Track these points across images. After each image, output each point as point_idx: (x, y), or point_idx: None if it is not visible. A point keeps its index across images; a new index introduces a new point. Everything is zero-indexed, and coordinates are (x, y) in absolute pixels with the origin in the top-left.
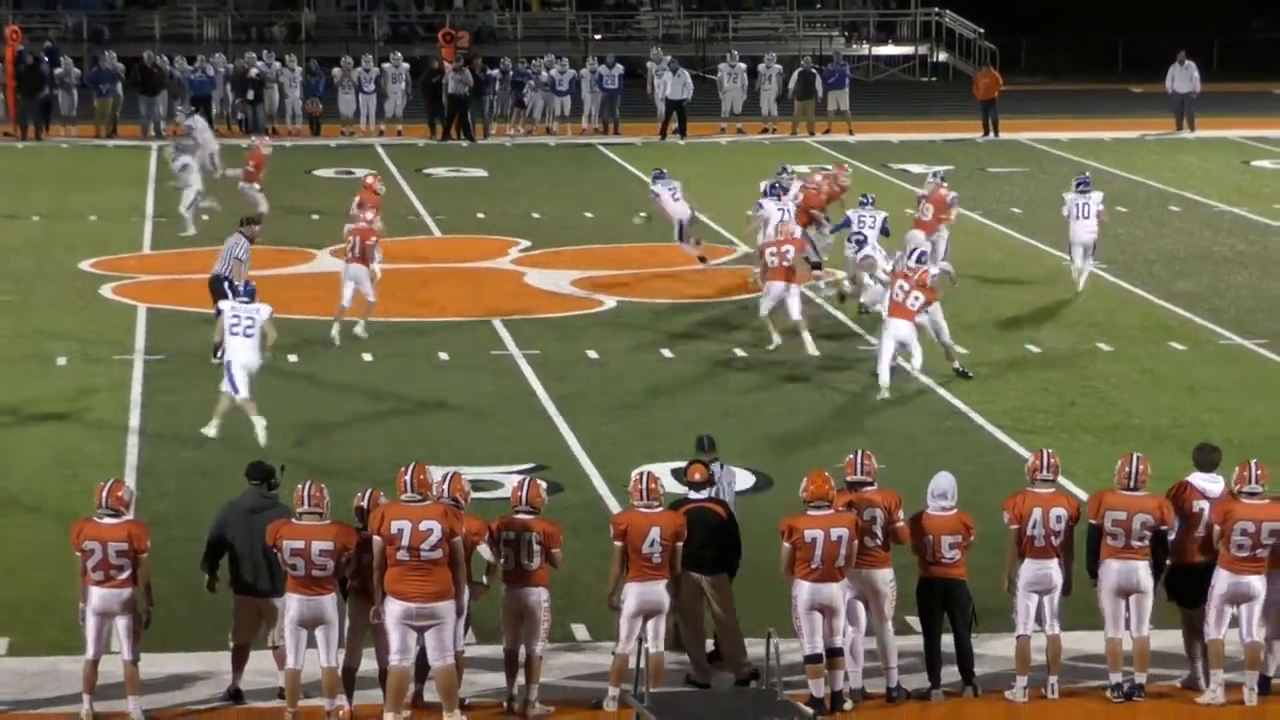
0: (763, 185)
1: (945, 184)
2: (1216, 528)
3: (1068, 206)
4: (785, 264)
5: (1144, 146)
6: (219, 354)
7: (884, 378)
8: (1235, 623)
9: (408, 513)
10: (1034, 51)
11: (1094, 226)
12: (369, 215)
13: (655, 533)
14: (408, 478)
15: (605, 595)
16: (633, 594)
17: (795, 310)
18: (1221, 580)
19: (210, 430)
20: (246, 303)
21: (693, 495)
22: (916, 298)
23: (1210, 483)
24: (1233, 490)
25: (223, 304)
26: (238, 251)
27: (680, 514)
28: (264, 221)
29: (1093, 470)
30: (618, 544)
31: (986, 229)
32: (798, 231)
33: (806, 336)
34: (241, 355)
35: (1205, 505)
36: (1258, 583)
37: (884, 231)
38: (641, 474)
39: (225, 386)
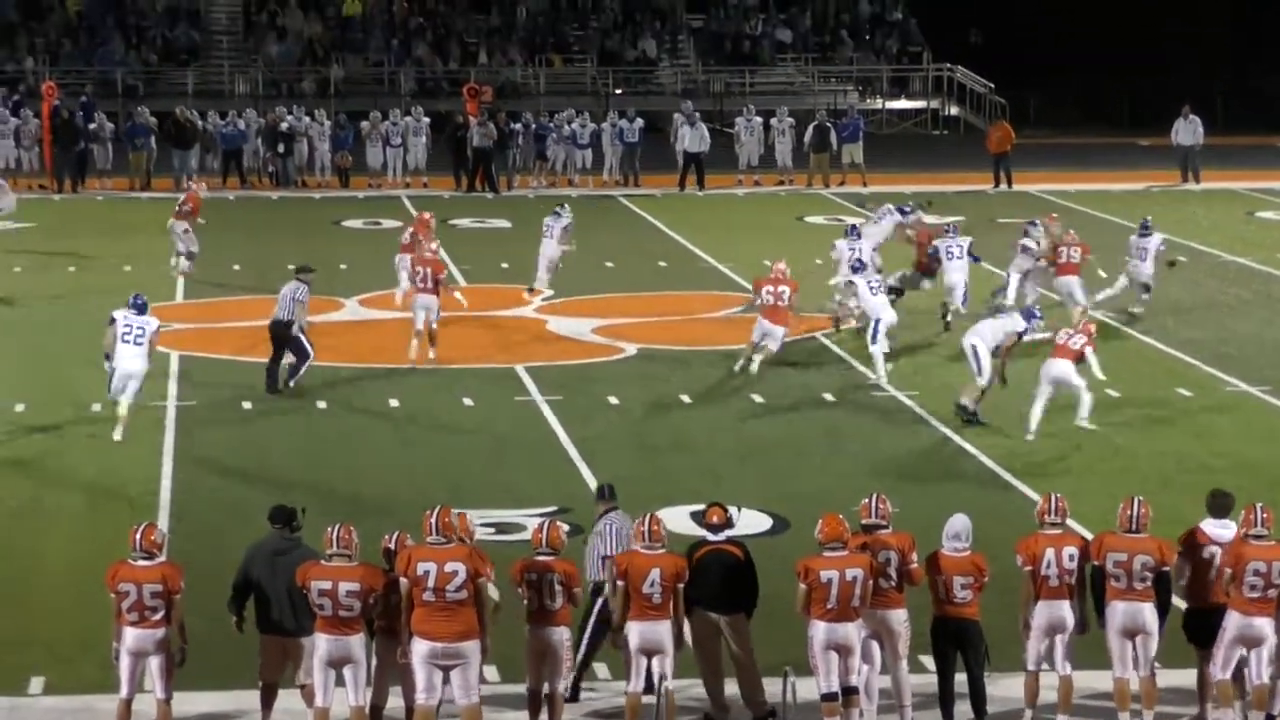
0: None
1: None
2: (1227, 571)
3: (1130, 248)
4: (780, 304)
5: (1150, 198)
6: (109, 360)
7: (1033, 420)
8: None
9: (434, 554)
10: (1042, 106)
11: (1150, 269)
12: (434, 246)
13: (655, 574)
14: (433, 520)
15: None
16: (634, 633)
17: (774, 347)
18: (1233, 623)
19: (116, 435)
20: (138, 313)
21: (710, 537)
22: (1079, 339)
23: (1222, 528)
24: (1242, 534)
25: (116, 313)
26: (299, 295)
27: (682, 556)
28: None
29: (1099, 513)
30: (619, 584)
31: (995, 276)
32: (788, 272)
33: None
34: (126, 362)
35: (1216, 550)
36: (1267, 625)
37: (973, 257)
38: (645, 516)
39: (109, 392)
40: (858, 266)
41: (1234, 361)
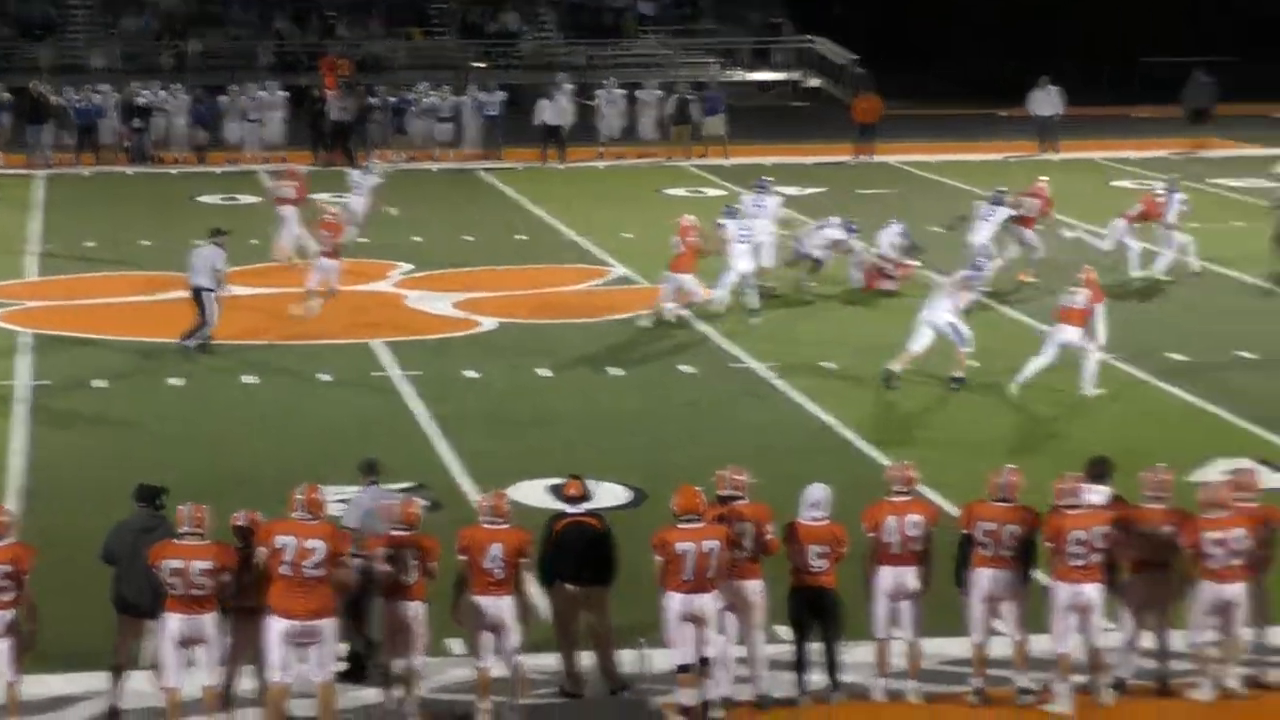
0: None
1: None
2: (1048, 544)
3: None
4: (683, 252)
5: (1008, 168)
6: None
7: (1023, 374)
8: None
9: (295, 529)
10: (903, 77)
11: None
12: (334, 210)
13: (497, 549)
14: (300, 496)
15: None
16: (476, 609)
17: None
18: (1061, 594)
19: None
20: None
21: (570, 510)
22: (1080, 296)
23: (1094, 494)
24: (1056, 504)
25: None
26: (218, 262)
27: (525, 531)
28: None
29: (959, 483)
30: (461, 558)
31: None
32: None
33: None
34: None
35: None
36: (1094, 591)
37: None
38: (489, 492)
39: None
40: (730, 211)
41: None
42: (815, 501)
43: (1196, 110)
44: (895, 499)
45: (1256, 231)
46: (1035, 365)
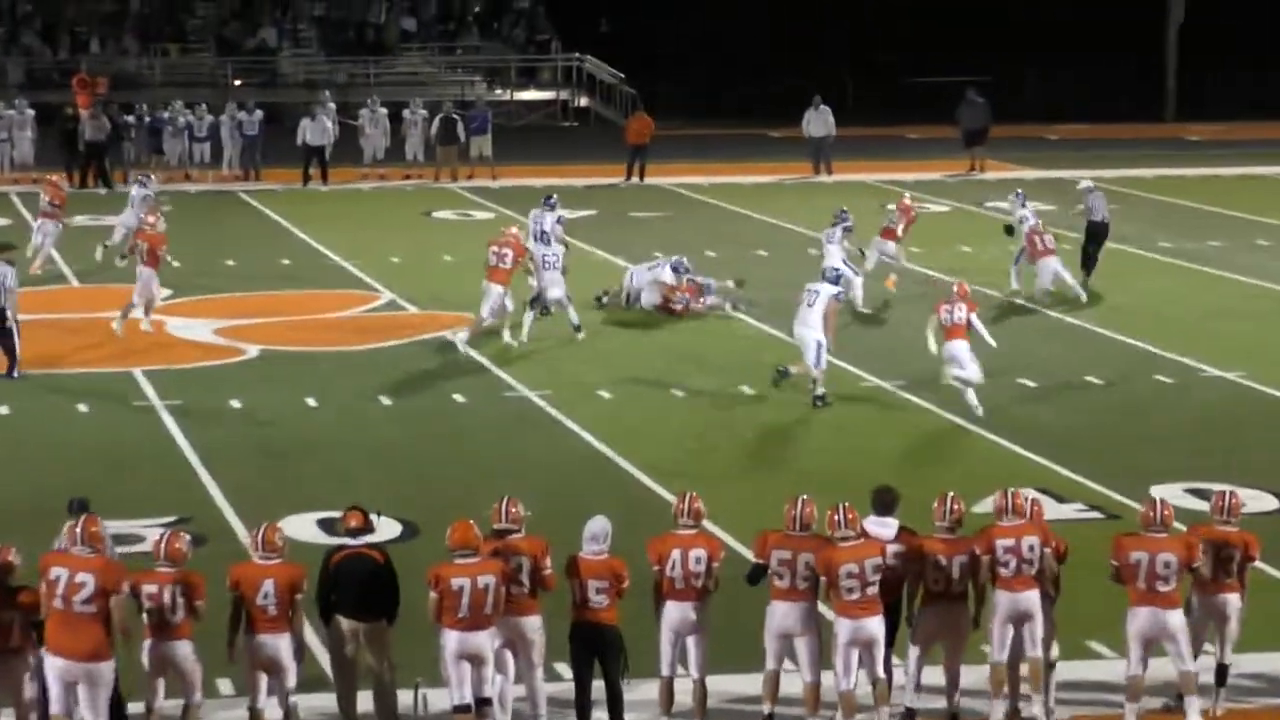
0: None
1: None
2: (823, 578)
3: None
4: (504, 266)
5: (782, 190)
6: None
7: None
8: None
9: (68, 562)
10: (675, 98)
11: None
12: (152, 220)
13: (270, 585)
14: (78, 530)
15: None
16: (250, 647)
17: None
18: (844, 628)
19: None
20: None
21: (350, 542)
22: (959, 310)
23: (882, 526)
24: (830, 536)
25: None
26: (8, 280)
27: (299, 566)
28: None
29: (740, 515)
30: (233, 594)
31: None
32: (521, 237)
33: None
34: None
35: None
36: (875, 624)
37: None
38: (260, 526)
39: None
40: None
41: (868, 357)
42: (595, 535)
43: (970, 131)
44: (681, 532)
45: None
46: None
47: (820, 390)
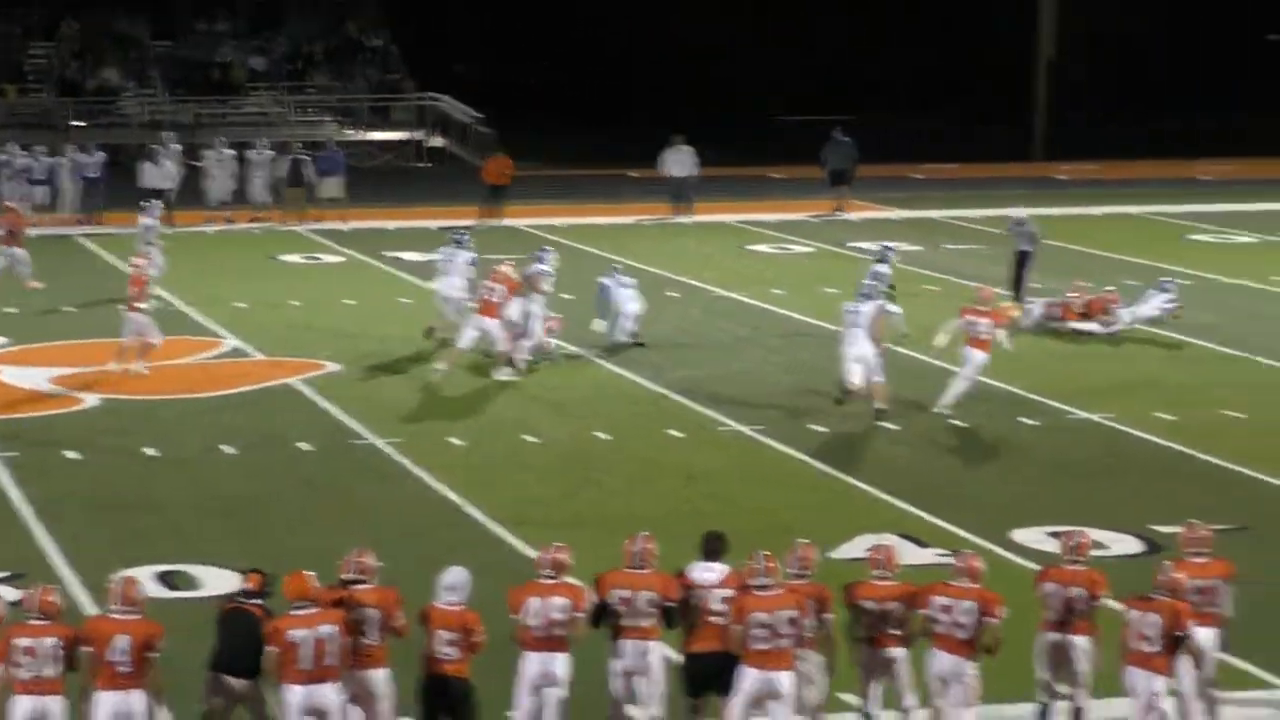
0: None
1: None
2: (736, 627)
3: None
4: (493, 300)
5: (640, 231)
6: None
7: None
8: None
9: None
10: (532, 137)
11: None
12: (140, 261)
13: (124, 640)
14: None
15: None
16: (103, 705)
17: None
18: (747, 677)
19: None
20: None
21: (241, 600)
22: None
23: (707, 571)
24: (744, 584)
25: None
26: None
27: (156, 623)
28: None
29: (596, 562)
30: (86, 650)
31: None
32: (512, 274)
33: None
34: None
35: (704, 593)
36: (784, 678)
37: None
38: (119, 579)
39: None
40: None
41: (726, 400)
42: (452, 585)
43: (835, 171)
44: (542, 581)
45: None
46: (957, 390)
47: (880, 404)
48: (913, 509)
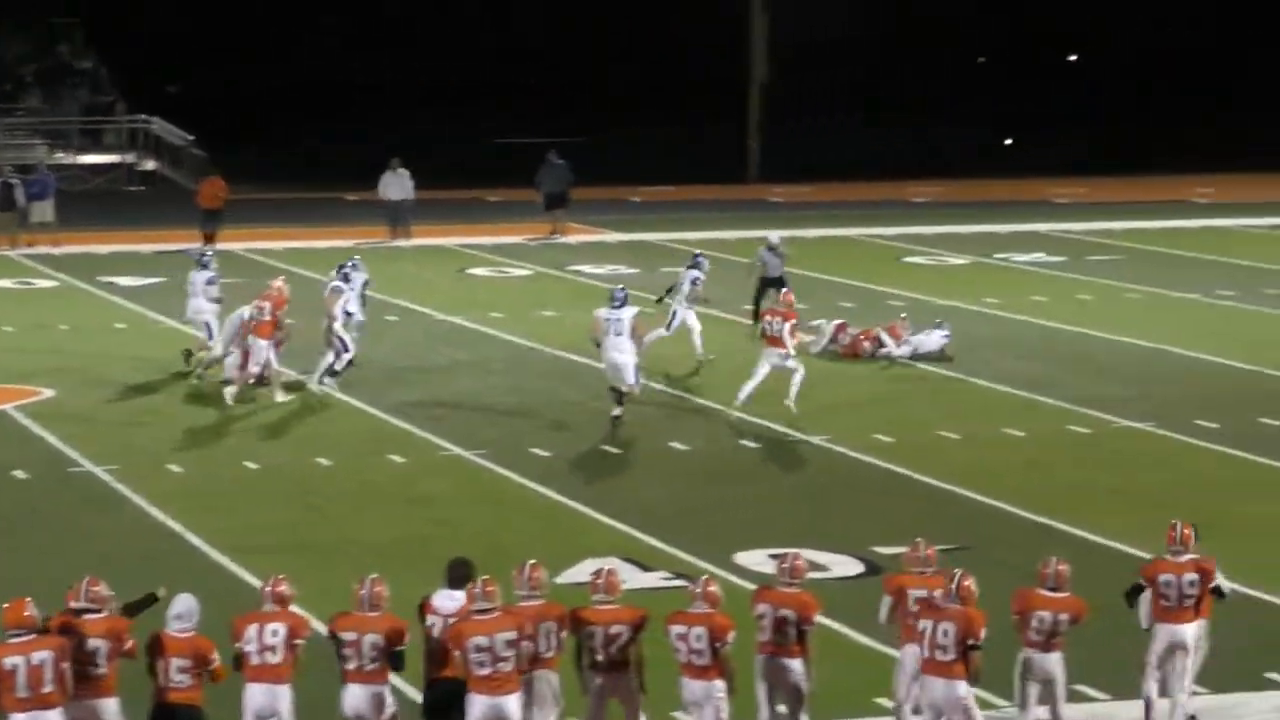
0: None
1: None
2: (457, 653)
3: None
4: (264, 318)
5: (359, 254)
6: None
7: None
8: None
9: None
10: (244, 160)
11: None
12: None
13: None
14: None
15: None
16: None
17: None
18: (475, 704)
19: None
20: None
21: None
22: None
23: (449, 599)
24: (470, 610)
25: None
26: None
27: None
28: None
29: (320, 590)
30: None
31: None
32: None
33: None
34: None
35: (438, 621)
36: (510, 702)
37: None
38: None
39: None
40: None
41: (447, 424)
42: (181, 613)
43: (551, 194)
44: (265, 610)
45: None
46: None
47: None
48: (636, 532)
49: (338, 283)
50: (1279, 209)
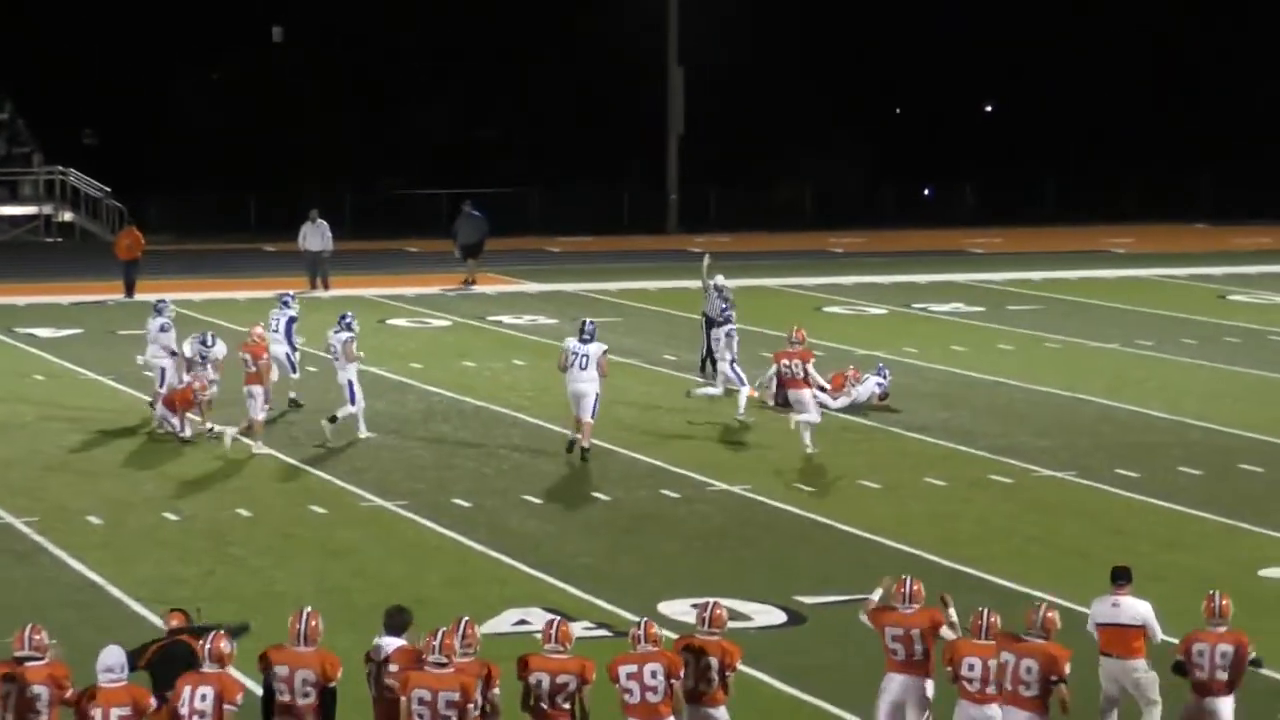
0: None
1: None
2: (402, 699)
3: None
4: (252, 370)
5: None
6: None
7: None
8: None
9: None
10: (163, 211)
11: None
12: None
13: None
14: None
15: None
16: None
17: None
18: None
19: None
20: None
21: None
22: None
23: (390, 644)
24: (420, 659)
25: None
26: None
27: None
28: None
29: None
30: None
31: (121, 394)
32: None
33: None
34: None
35: (377, 668)
36: None
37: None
38: None
39: None
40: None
41: (369, 476)
42: (109, 665)
43: (466, 245)
44: (205, 668)
45: (540, 368)
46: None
47: (586, 443)
48: (558, 582)
49: (348, 334)
50: (1196, 259)
